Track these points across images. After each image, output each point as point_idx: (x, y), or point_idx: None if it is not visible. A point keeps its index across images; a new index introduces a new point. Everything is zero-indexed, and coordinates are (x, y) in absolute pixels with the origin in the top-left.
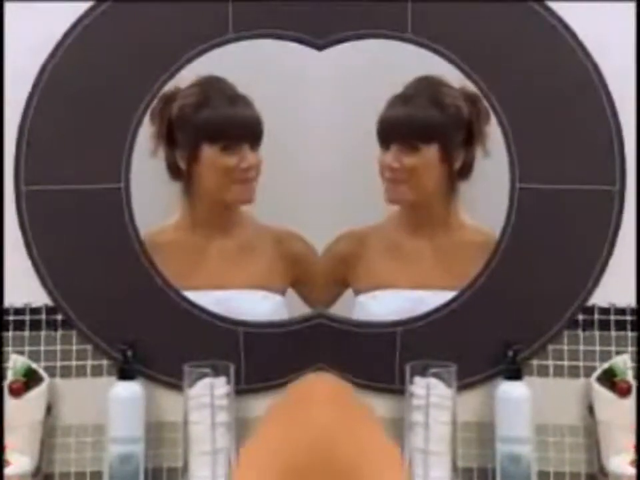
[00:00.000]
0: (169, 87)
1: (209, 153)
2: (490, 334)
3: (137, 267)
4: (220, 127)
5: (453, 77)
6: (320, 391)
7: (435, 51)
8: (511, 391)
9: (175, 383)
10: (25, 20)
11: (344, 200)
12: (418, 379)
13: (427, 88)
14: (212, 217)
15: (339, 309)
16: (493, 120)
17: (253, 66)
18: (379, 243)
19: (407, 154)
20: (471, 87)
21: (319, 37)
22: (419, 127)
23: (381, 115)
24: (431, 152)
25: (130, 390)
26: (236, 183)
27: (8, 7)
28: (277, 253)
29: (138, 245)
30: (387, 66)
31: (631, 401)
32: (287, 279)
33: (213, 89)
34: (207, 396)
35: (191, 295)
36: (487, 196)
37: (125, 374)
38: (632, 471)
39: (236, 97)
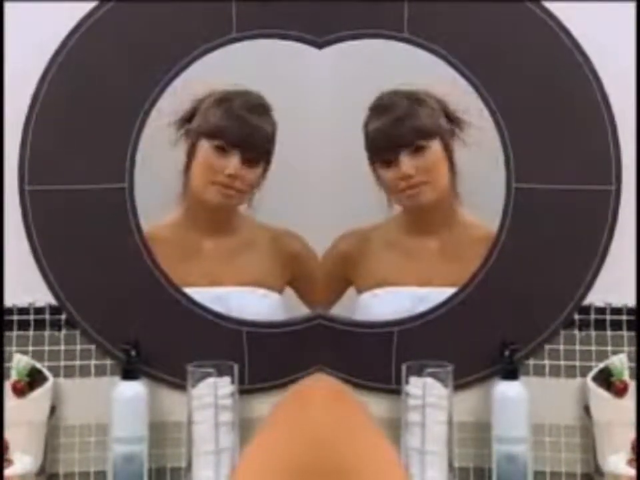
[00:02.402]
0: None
1: (204, 147)
2: (486, 334)
3: (141, 266)
4: (219, 125)
5: (448, 75)
6: (319, 392)
7: (431, 51)
8: (507, 390)
9: (179, 383)
10: (30, 19)
11: (344, 199)
12: (414, 379)
13: (395, 96)
14: (205, 217)
15: (340, 309)
16: (489, 120)
17: (252, 65)
18: (381, 242)
19: (416, 157)
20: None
21: (319, 36)
22: (420, 125)
23: (372, 130)
24: (435, 146)
25: (133, 390)
26: (215, 184)
27: (13, 7)
28: (275, 251)
29: (141, 244)
30: (387, 64)
31: (627, 401)
32: (284, 278)
33: (240, 97)
34: (211, 396)
35: (190, 292)
36: (484, 196)
37: (128, 374)
38: (628, 470)
39: (257, 107)
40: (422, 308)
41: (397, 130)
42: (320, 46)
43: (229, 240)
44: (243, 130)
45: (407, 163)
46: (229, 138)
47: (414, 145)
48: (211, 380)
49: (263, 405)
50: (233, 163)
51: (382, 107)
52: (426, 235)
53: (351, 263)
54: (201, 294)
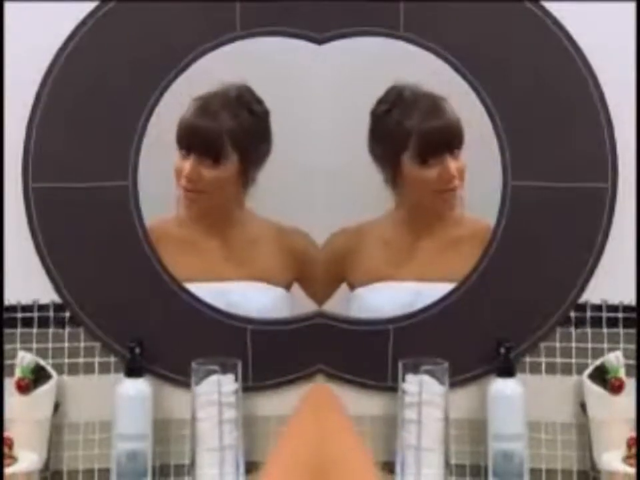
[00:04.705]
0: None
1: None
2: (482, 331)
3: (145, 264)
4: (177, 134)
5: (445, 73)
6: (318, 407)
7: (428, 49)
8: (503, 388)
9: (183, 380)
10: (33, 19)
11: (345, 195)
12: (410, 376)
13: (426, 95)
14: (206, 213)
15: (330, 305)
16: (486, 117)
17: (254, 62)
18: (375, 238)
19: (455, 161)
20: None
21: (320, 33)
22: (463, 133)
23: (422, 129)
24: (460, 155)
25: (137, 387)
26: (180, 187)
27: (16, 6)
28: (280, 247)
29: (145, 242)
30: (386, 60)
31: (623, 398)
32: (290, 273)
33: (200, 101)
34: (214, 393)
35: (193, 288)
36: (480, 193)
37: (132, 371)
38: (624, 467)
39: (208, 110)
40: (417, 303)
41: (450, 133)
42: (320, 42)
43: (233, 235)
44: (190, 134)
45: (452, 165)
46: (180, 144)
47: (459, 150)
48: (214, 377)
49: (266, 403)
50: (187, 164)
51: (431, 108)
52: (421, 230)
53: (344, 260)
54: (203, 288)
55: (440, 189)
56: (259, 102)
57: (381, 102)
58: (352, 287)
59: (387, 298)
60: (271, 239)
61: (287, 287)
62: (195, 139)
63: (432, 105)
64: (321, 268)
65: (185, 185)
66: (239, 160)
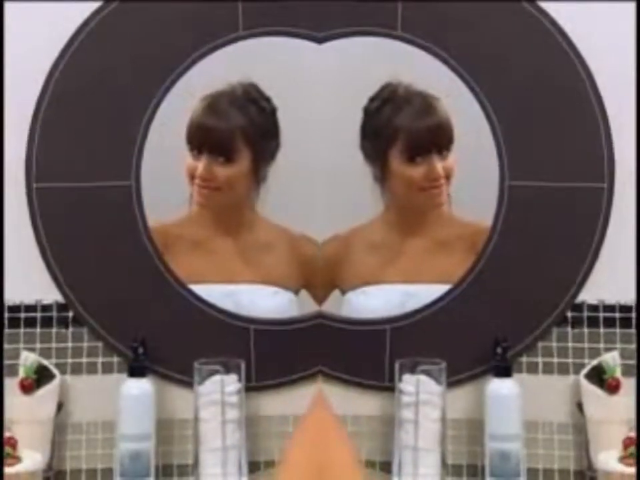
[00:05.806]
0: None
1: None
2: (479, 331)
3: (148, 264)
4: (187, 133)
5: (444, 73)
6: (318, 426)
7: (424, 49)
8: (500, 388)
9: (186, 380)
10: (36, 19)
11: (344, 194)
12: (408, 376)
13: (419, 94)
14: (215, 214)
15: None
16: (483, 117)
17: (255, 62)
18: (365, 241)
19: (442, 160)
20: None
21: (320, 32)
22: (452, 134)
23: (411, 128)
24: (452, 154)
25: (140, 387)
26: (194, 185)
27: (18, 7)
28: (290, 253)
29: (149, 242)
30: (385, 60)
31: (620, 398)
32: (299, 279)
33: (207, 100)
34: (217, 393)
35: (202, 288)
36: (478, 194)
37: (135, 371)
38: (620, 467)
39: (217, 109)
40: (407, 305)
41: (439, 133)
42: (320, 41)
43: (244, 237)
44: (201, 134)
45: (439, 164)
46: (192, 144)
47: (448, 150)
48: (217, 377)
49: (269, 402)
50: (200, 164)
51: (422, 107)
52: (412, 233)
53: (336, 265)
54: (212, 290)
55: (425, 187)
56: (267, 98)
57: (373, 99)
58: (343, 291)
59: (376, 301)
60: (282, 244)
61: (296, 292)
62: (207, 139)
63: (424, 103)
64: (318, 275)
65: (199, 183)
66: (250, 157)
